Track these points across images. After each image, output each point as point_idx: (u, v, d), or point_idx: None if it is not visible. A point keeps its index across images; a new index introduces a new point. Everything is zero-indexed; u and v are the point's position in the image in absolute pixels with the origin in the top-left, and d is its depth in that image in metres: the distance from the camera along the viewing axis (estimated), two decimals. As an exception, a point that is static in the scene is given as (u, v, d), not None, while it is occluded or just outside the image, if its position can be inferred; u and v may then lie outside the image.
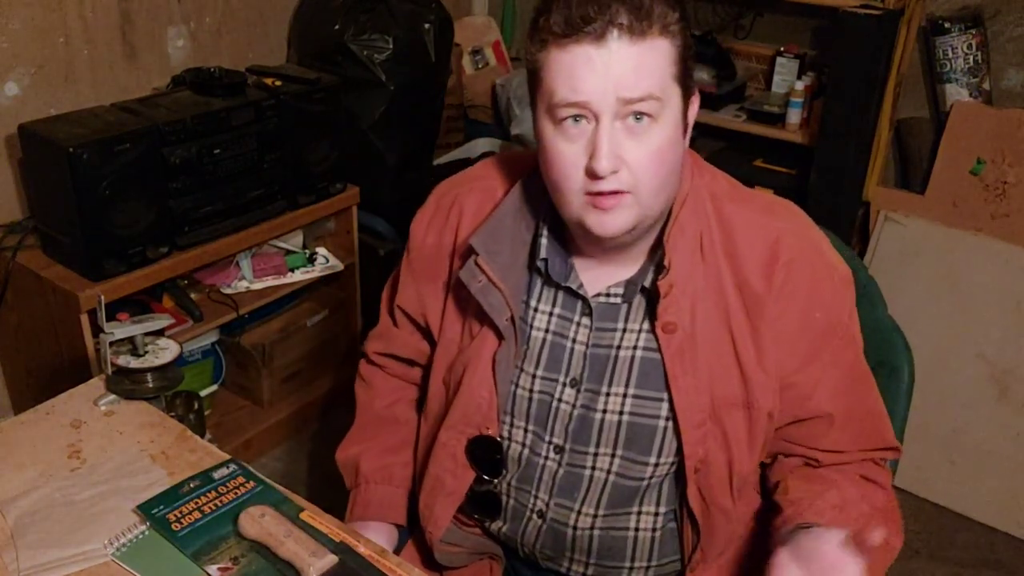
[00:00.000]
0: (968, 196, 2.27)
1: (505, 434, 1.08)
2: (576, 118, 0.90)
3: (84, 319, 1.80)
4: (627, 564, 1.10)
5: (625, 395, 1.03)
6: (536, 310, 1.07)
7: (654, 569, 1.11)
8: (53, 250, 1.87)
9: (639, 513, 1.07)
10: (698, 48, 2.60)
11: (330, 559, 0.91)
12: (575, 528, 1.07)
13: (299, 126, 2.11)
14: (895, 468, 1.12)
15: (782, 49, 2.59)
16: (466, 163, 2.69)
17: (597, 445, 1.04)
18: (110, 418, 1.14)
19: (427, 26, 2.43)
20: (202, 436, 1.14)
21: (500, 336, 1.04)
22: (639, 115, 0.89)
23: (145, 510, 0.97)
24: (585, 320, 1.04)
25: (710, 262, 1.00)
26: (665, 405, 1.02)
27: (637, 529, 1.08)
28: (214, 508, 0.98)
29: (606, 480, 1.05)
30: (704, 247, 1.00)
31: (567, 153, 0.92)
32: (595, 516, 1.07)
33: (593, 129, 0.90)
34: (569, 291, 1.05)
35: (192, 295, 2.14)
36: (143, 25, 2.16)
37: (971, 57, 2.27)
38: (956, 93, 2.31)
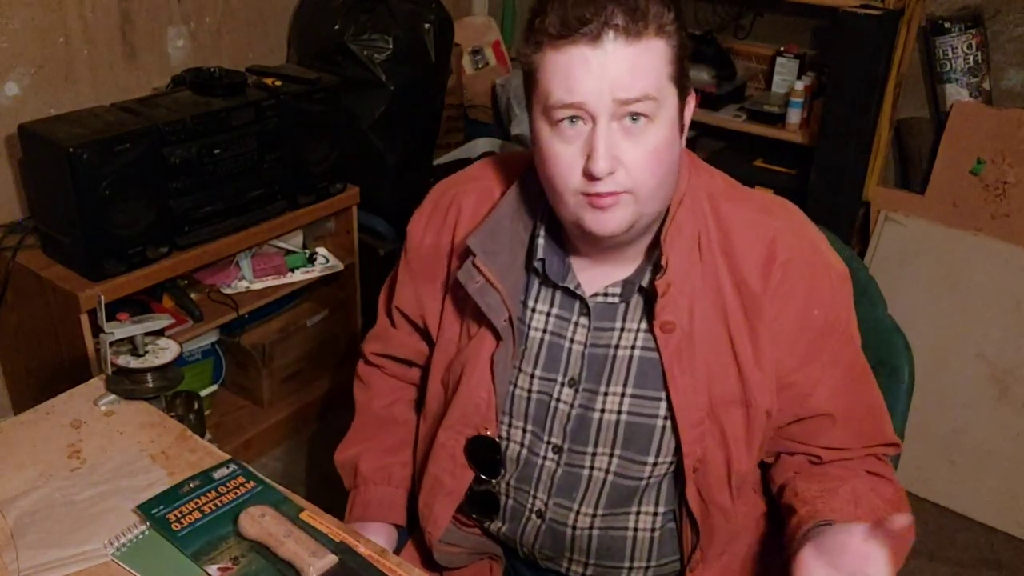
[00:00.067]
0: (968, 196, 2.27)
1: (503, 434, 1.08)
2: (572, 119, 0.90)
3: (84, 319, 1.80)
4: (626, 564, 1.10)
5: (623, 395, 1.03)
6: (534, 310, 1.07)
7: (653, 569, 1.11)
8: (53, 250, 1.87)
9: (638, 513, 1.07)
10: (698, 48, 2.60)
11: (330, 559, 0.91)
12: (574, 528, 1.07)
13: (299, 126, 2.11)
14: (895, 466, 1.12)
15: (782, 49, 2.59)
16: (466, 163, 2.68)
17: (595, 445, 1.05)
18: (110, 418, 1.14)
19: (427, 26, 2.43)
20: (202, 436, 1.14)
21: (498, 336, 1.04)
22: (635, 116, 0.89)
23: (145, 510, 0.98)
24: (583, 320, 1.04)
25: (708, 261, 1.00)
26: (663, 404, 1.02)
27: (636, 529, 1.08)
28: (214, 508, 0.98)
29: (605, 480, 1.05)
30: (702, 246, 1.00)
31: (564, 154, 0.92)
32: (594, 516, 1.07)
33: (590, 130, 0.90)
34: (567, 291, 1.05)
35: (192, 295, 2.14)
36: (143, 25, 2.16)
37: (971, 57, 2.27)
38: (956, 93, 2.31)
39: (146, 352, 1.17)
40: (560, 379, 1.05)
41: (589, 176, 0.90)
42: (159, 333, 1.20)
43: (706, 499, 1.05)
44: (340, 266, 2.37)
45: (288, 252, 2.35)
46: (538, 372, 1.06)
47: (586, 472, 1.06)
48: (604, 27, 0.86)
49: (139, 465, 1.06)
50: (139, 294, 1.95)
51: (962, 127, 2.26)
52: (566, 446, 1.06)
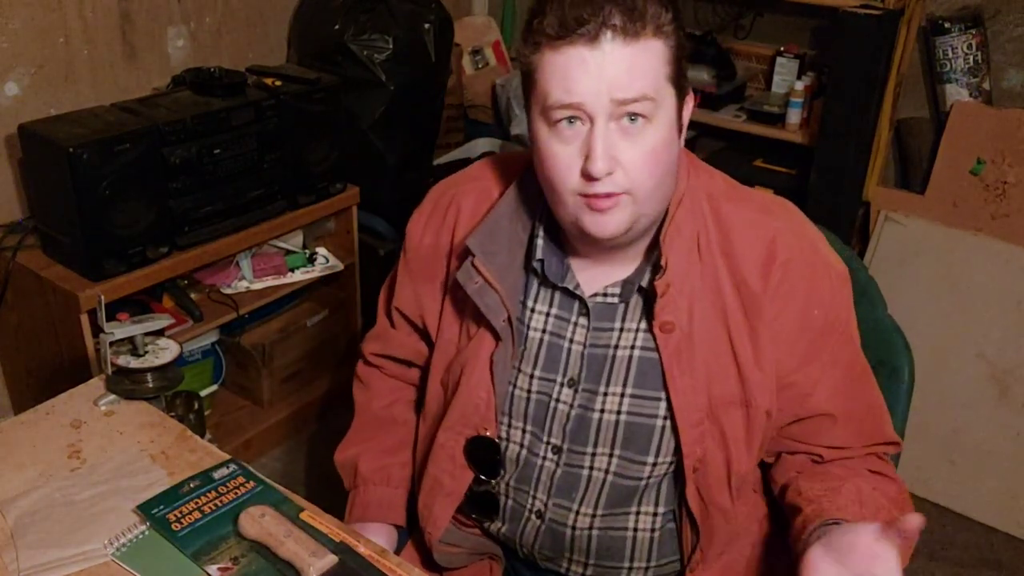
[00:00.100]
0: (968, 196, 2.27)
1: (503, 435, 1.08)
2: (571, 120, 0.90)
3: (84, 319, 1.80)
4: (626, 564, 1.10)
5: (623, 395, 1.03)
6: (533, 311, 1.07)
7: (653, 569, 1.11)
8: (53, 250, 1.87)
9: (638, 513, 1.07)
10: (698, 48, 2.60)
11: (330, 559, 0.91)
12: (574, 528, 1.07)
13: (299, 126, 2.11)
14: (895, 465, 1.12)
15: (782, 49, 2.59)
16: (466, 163, 2.68)
17: (595, 445, 1.05)
18: (110, 418, 1.14)
19: (427, 26, 2.43)
20: (202, 436, 1.14)
21: (497, 337, 1.04)
22: (633, 116, 0.89)
23: (145, 510, 0.98)
24: (582, 320, 1.04)
25: (707, 262, 1.00)
26: (663, 404, 1.02)
27: (636, 529, 1.08)
28: (214, 508, 0.98)
29: (604, 480, 1.05)
30: (701, 247, 1.00)
31: (562, 155, 0.92)
32: (593, 516, 1.07)
33: (588, 131, 0.90)
34: (566, 291, 1.05)
35: (192, 295, 2.14)
36: (143, 25, 2.16)
37: (971, 57, 2.27)
38: (956, 93, 2.31)
39: (146, 352, 1.17)
40: (559, 379, 1.05)
41: (587, 176, 0.90)
42: (159, 333, 1.20)
43: (706, 499, 1.05)
44: (340, 266, 2.37)
45: (288, 252, 2.35)
46: (537, 372, 1.06)
47: (585, 472, 1.06)
48: (602, 27, 0.86)
49: (139, 465, 1.06)
50: (139, 294, 1.95)
51: (962, 127, 2.26)
52: (565, 446, 1.06)
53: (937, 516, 2.27)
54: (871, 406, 1.07)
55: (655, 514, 1.08)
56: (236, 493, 1.01)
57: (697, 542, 1.08)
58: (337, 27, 2.37)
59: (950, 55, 2.29)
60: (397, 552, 1.19)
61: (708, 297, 1.00)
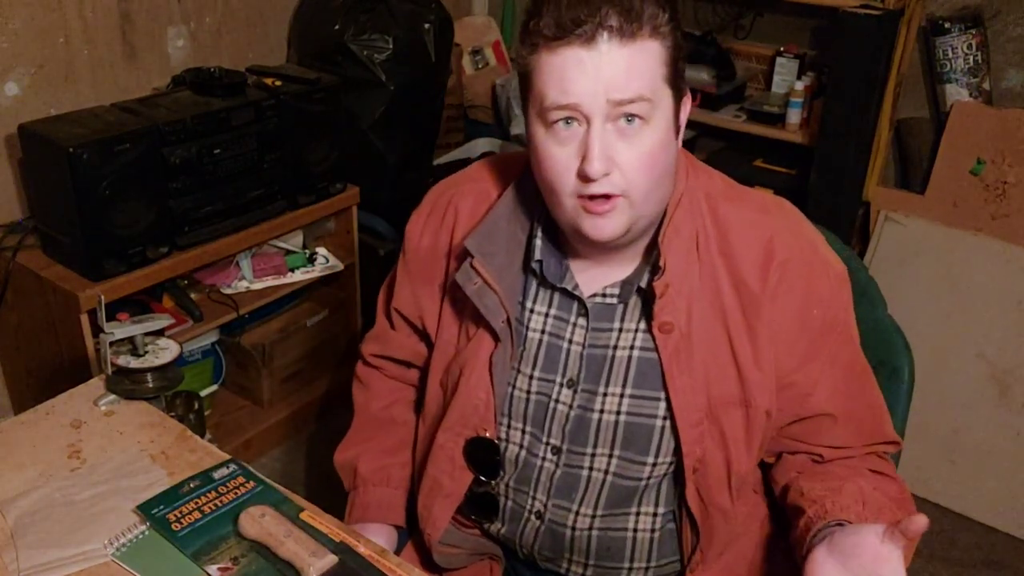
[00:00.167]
0: (968, 196, 2.27)
1: (502, 435, 1.08)
2: (567, 120, 0.90)
3: (84, 319, 1.80)
4: (626, 565, 1.10)
5: (622, 395, 1.03)
6: (532, 311, 1.07)
7: (653, 570, 1.11)
8: (53, 250, 1.87)
9: (638, 513, 1.07)
10: (698, 48, 2.60)
11: (330, 559, 0.91)
12: (573, 529, 1.07)
13: (299, 126, 2.11)
14: (895, 464, 1.12)
15: (782, 49, 2.59)
16: (466, 163, 2.68)
17: (595, 445, 1.05)
18: (110, 418, 1.14)
19: (427, 26, 2.43)
20: (202, 436, 1.14)
21: (496, 338, 1.04)
22: (630, 117, 0.89)
23: (145, 510, 0.98)
24: (581, 321, 1.04)
25: (706, 262, 1.00)
26: (662, 405, 1.02)
27: (636, 530, 1.08)
28: (214, 508, 0.98)
29: (604, 480, 1.05)
30: (700, 247, 1.00)
31: (559, 156, 0.92)
32: (593, 517, 1.07)
33: (584, 132, 0.90)
34: (565, 292, 1.05)
35: (192, 295, 2.14)
36: (143, 25, 2.16)
37: (971, 57, 2.27)
38: (956, 93, 2.31)
39: (146, 352, 1.17)
40: (559, 380, 1.05)
41: (584, 178, 0.90)
42: (159, 333, 1.20)
43: (705, 500, 1.05)
44: (340, 266, 2.37)
45: (288, 252, 2.35)
46: (537, 373, 1.06)
47: (585, 473, 1.06)
48: (598, 28, 0.86)
49: (139, 465, 1.06)
50: (139, 294, 1.95)
51: (962, 127, 2.26)
52: (565, 447, 1.06)
53: (937, 516, 2.27)
54: (871, 405, 1.07)
55: (655, 514, 1.08)
56: (236, 493, 1.01)
57: (697, 542, 1.08)
58: (337, 27, 2.37)
59: (950, 55, 2.29)
60: (397, 552, 1.19)
61: (707, 297, 1.00)
